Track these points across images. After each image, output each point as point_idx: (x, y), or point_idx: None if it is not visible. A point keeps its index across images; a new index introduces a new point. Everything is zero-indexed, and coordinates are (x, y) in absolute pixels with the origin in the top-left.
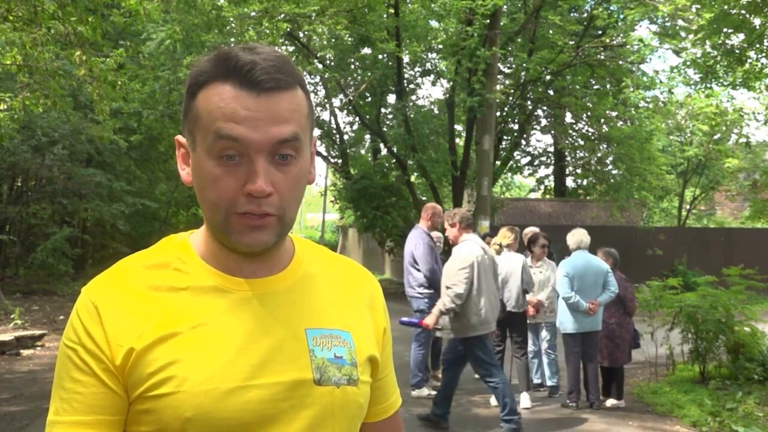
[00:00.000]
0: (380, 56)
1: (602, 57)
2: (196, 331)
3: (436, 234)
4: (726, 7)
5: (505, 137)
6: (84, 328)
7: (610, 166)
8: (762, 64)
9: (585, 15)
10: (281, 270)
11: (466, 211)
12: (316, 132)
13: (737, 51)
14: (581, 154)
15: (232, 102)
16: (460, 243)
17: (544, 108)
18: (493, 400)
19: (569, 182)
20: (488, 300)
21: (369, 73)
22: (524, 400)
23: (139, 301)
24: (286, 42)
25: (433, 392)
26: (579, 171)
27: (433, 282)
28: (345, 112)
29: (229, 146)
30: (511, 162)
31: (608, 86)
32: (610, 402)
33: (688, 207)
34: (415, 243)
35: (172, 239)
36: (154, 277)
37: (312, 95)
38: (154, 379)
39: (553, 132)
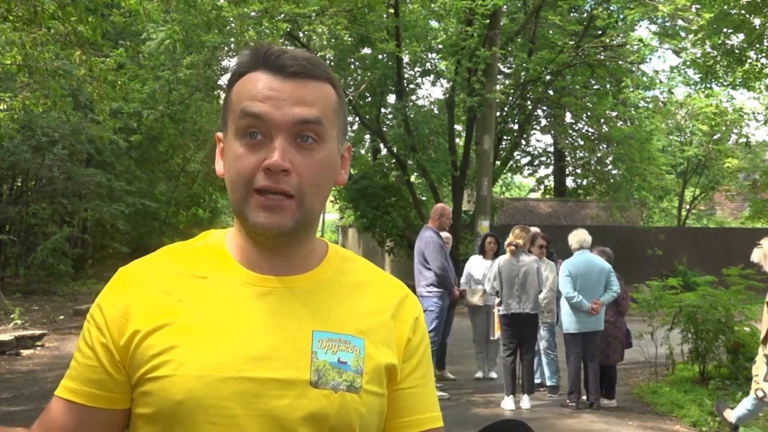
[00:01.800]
0: (380, 56)
1: (602, 57)
2: (202, 318)
3: (445, 234)
4: (726, 7)
5: (505, 137)
6: (101, 304)
7: (610, 166)
8: (762, 64)
9: (585, 15)
10: (305, 272)
11: None
12: None
13: (737, 51)
14: (581, 154)
15: (259, 84)
16: None
17: (544, 108)
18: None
19: (569, 182)
20: None
21: (369, 73)
22: (525, 401)
23: (159, 284)
24: (286, 42)
25: (440, 393)
26: (579, 171)
27: (443, 280)
28: None
29: (252, 124)
30: (511, 162)
31: (608, 86)
32: (602, 401)
33: (688, 207)
34: (425, 242)
35: (210, 232)
36: (180, 264)
37: None
38: (155, 362)
39: (552, 132)
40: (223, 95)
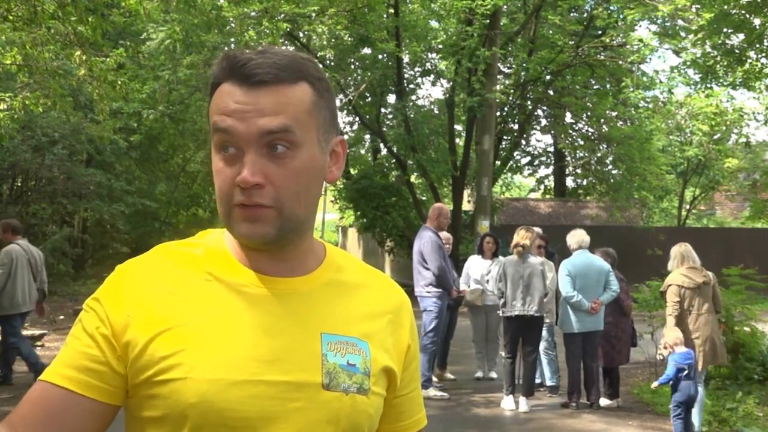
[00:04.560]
0: (380, 56)
1: (602, 57)
2: (211, 321)
3: (445, 234)
4: (726, 7)
5: (505, 137)
6: (102, 298)
7: (610, 166)
8: (762, 64)
9: (585, 15)
10: (305, 273)
11: (8, 220)
12: None
13: (737, 51)
14: (581, 154)
15: (226, 97)
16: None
17: (544, 108)
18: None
19: (569, 182)
20: (22, 288)
21: (369, 73)
22: (522, 404)
23: (163, 285)
24: (286, 42)
25: (440, 393)
26: (579, 171)
27: (441, 280)
28: (345, 112)
29: (224, 139)
30: (511, 162)
31: (608, 86)
32: (604, 402)
33: (688, 207)
34: (424, 242)
35: (210, 232)
36: (182, 265)
37: None
38: (163, 364)
39: (553, 132)
40: None
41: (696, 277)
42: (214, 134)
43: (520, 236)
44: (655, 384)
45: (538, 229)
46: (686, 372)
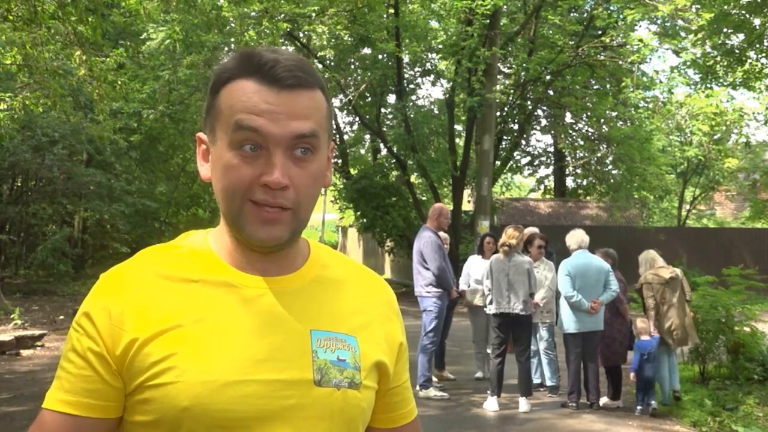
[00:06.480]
0: (380, 56)
1: (602, 57)
2: (201, 323)
3: (442, 235)
4: (726, 7)
5: (505, 137)
6: (90, 313)
7: (610, 166)
8: (762, 64)
9: (585, 15)
10: (293, 271)
11: None
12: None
13: (737, 51)
14: (581, 154)
15: (254, 96)
16: None
17: (544, 108)
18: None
19: (569, 182)
20: None
21: (369, 73)
22: (523, 404)
23: (151, 290)
24: (286, 42)
25: (440, 393)
26: (579, 171)
27: (441, 281)
28: (345, 112)
29: (249, 137)
30: (511, 162)
31: (608, 86)
32: (604, 401)
33: (688, 207)
34: (424, 242)
35: (193, 233)
36: (168, 268)
37: None
38: (156, 369)
39: (552, 132)
40: None
41: (664, 274)
42: (236, 131)
43: (507, 235)
44: (632, 376)
45: (535, 229)
46: (646, 357)
